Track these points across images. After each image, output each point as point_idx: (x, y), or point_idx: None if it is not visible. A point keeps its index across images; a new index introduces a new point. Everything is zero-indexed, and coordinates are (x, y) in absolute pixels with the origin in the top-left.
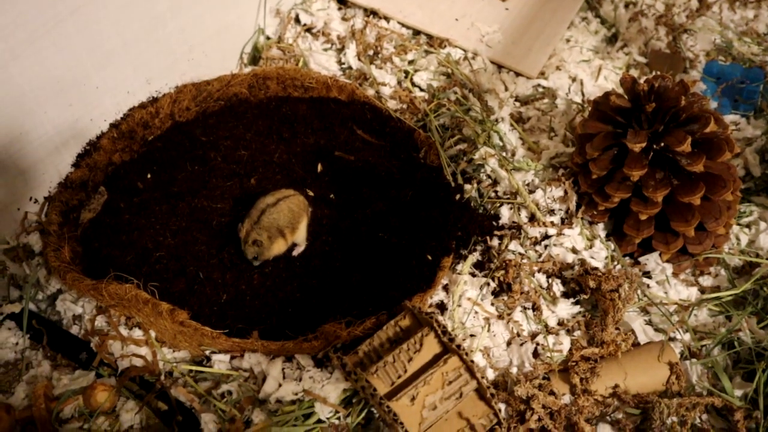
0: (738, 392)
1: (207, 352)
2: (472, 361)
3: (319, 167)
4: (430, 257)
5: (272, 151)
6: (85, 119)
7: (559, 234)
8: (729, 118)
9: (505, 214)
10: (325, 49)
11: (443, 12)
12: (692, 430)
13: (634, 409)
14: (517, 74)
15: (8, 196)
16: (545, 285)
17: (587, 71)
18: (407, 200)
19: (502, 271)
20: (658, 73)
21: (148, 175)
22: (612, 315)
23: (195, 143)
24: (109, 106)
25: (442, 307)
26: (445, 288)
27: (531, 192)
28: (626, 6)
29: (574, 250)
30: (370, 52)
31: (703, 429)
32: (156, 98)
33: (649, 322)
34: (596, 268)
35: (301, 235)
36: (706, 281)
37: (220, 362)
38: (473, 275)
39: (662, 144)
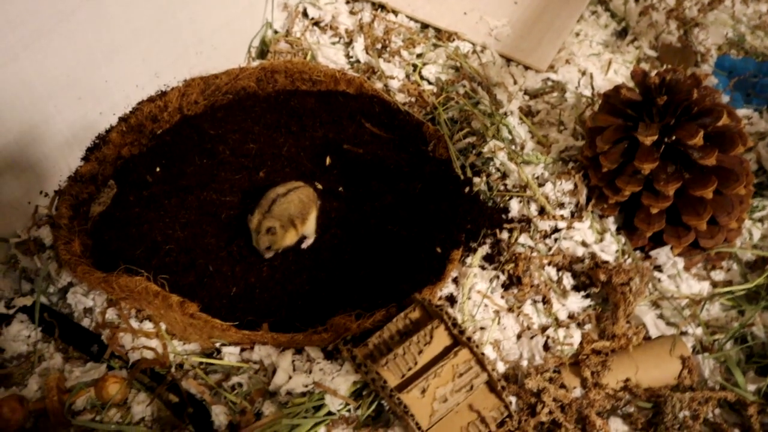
0: (751, 387)
1: (217, 345)
2: (483, 354)
3: (328, 160)
4: (439, 250)
5: (281, 144)
6: (95, 113)
7: (569, 227)
8: (741, 112)
9: (515, 207)
10: (333, 43)
11: (452, 5)
12: (705, 425)
13: (646, 402)
14: (527, 68)
15: (19, 190)
16: (555, 278)
17: (597, 65)
18: (416, 193)
19: (512, 264)
20: (670, 66)
21: (157, 169)
22: (623, 308)
23: (204, 137)
24: (118, 99)
25: (451, 299)
26: (455, 281)
27: (540, 185)
28: (636, 0)
29: (584, 244)
30: (378, 46)
31: (716, 423)
32: (164, 92)
33: (661, 316)
34: (607, 262)
35: (310, 227)
36: (718, 276)
37: (231, 354)
38: (483, 268)
39: (674, 137)
